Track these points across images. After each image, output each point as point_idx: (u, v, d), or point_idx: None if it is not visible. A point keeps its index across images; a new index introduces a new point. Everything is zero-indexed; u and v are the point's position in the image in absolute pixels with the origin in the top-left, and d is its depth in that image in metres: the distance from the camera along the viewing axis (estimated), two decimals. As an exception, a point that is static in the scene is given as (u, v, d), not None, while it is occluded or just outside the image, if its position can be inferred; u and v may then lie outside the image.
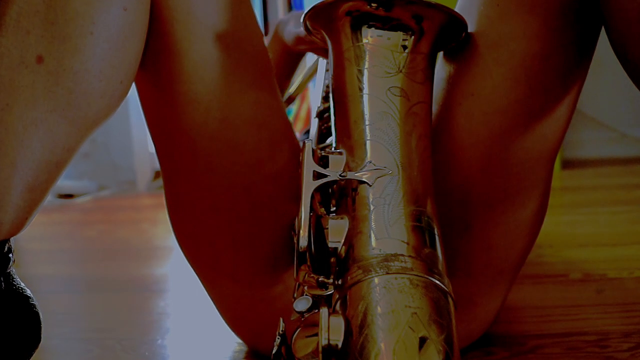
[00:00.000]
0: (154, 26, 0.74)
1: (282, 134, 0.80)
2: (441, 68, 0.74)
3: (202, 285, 0.89)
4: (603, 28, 0.67)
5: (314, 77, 1.17)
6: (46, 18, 0.65)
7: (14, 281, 0.72)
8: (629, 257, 1.31)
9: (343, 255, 0.54)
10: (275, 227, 0.81)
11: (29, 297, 0.73)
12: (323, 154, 0.63)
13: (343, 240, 0.55)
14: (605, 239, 1.48)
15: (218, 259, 0.83)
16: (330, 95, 0.70)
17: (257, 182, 0.78)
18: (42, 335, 0.75)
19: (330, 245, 0.55)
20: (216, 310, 0.90)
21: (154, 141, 0.82)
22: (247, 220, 0.79)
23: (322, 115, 0.79)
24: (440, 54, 0.74)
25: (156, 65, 0.76)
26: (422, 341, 0.45)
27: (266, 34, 2.75)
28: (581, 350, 0.85)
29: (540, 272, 1.22)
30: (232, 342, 0.96)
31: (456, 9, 0.72)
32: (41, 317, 0.74)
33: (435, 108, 0.73)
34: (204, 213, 0.80)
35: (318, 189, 0.58)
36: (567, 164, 2.70)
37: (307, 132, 1.34)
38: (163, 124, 0.79)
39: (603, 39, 0.69)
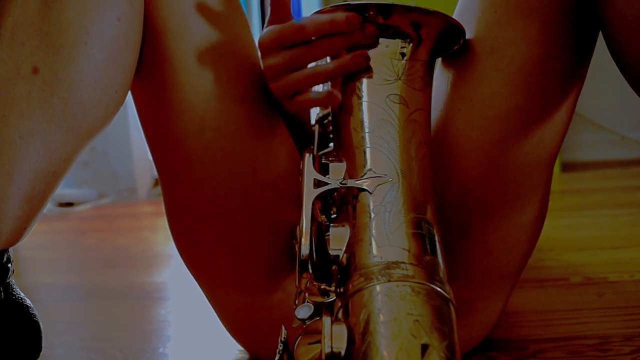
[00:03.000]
0: (147, 36, 0.74)
1: (279, 141, 0.80)
2: (440, 74, 0.74)
3: (202, 293, 0.89)
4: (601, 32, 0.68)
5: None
6: (41, 29, 0.65)
7: (14, 291, 0.72)
8: (629, 260, 1.30)
9: (344, 263, 0.54)
10: (274, 234, 0.81)
11: (28, 307, 0.73)
12: (323, 161, 0.63)
13: (344, 248, 0.55)
14: (606, 242, 1.48)
15: (217, 266, 0.83)
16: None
17: (255, 189, 0.78)
18: (43, 345, 0.75)
19: (331, 253, 0.55)
20: (217, 318, 0.90)
21: (150, 149, 0.82)
22: (245, 227, 0.79)
23: (322, 121, 0.80)
24: (439, 60, 0.74)
25: (151, 75, 0.76)
26: (425, 348, 0.45)
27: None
28: (583, 354, 0.85)
29: (540, 276, 1.22)
30: (233, 350, 0.96)
31: (454, 16, 0.73)
32: (41, 326, 0.74)
33: (434, 114, 0.73)
34: (202, 221, 0.80)
35: (319, 197, 0.58)
36: (567, 167, 2.70)
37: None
38: (159, 132, 0.79)
39: (601, 41, 0.69)
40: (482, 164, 0.73)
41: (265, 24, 0.73)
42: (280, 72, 0.70)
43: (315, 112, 0.83)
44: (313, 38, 0.68)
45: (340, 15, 0.65)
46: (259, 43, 0.71)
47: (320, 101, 0.71)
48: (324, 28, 0.67)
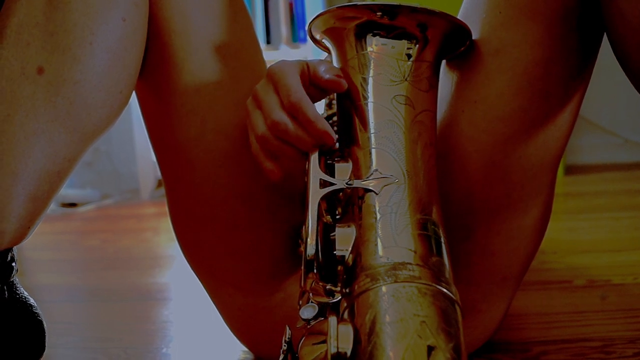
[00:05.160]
0: (152, 37, 0.74)
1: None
2: (444, 75, 0.74)
3: (205, 293, 0.89)
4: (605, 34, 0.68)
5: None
6: (46, 29, 0.66)
7: (18, 290, 0.72)
8: (633, 263, 1.30)
9: (350, 263, 0.54)
10: (275, 235, 0.81)
11: (32, 306, 0.73)
12: (329, 162, 0.63)
13: (350, 248, 0.55)
14: (609, 245, 1.48)
15: (219, 267, 0.83)
16: (335, 103, 0.70)
17: (256, 191, 0.78)
18: (46, 344, 0.75)
19: (337, 253, 0.55)
20: (220, 318, 0.90)
21: (154, 151, 0.82)
22: (246, 228, 0.79)
23: (327, 121, 0.80)
24: (443, 62, 0.74)
25: (155, 76, 0.76)
26: (431, 349, 0.44)
27: (268, 42, 2.75)
28: (586, 357, 0.84)
29: (544, 278, 1.22)
30: (236, 350, 0.96)
31: (458, 17, 0.72)
32: (45, 326, 0.74)
33: (438, 115, 0.73)
34: (204, 222, 0.80)
35: (324, 197, 0.58)
36: (570, 170, 2.70)
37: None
38: (162, 134, 0.79)
39: (605, 44, 0.69)
40: (485, 166, 0.72)
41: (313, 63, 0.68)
42: (258, 100, 0.67)
43: (319, 113, 0.83)
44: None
45: (321, 125, 0.62)
46: (270, 66, 0.68)
47: (260, 163, 0.68)
48: (294, 111, 0.63)
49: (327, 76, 0.64)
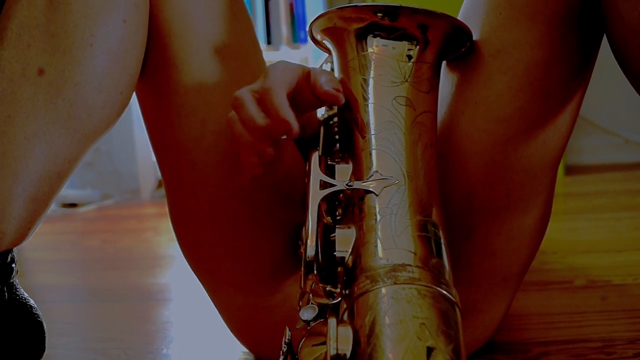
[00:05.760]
0: (152, 38, 0.74)
1: (281, 144, 0.80)
2: (445, 76, 0.74)
3: (205, 294, 0.89)
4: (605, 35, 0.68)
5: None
6: (47, 31, 0.66)
7: (18, 291, 0.72)
8: (633, 263, 1.30)
9: (350, 264, 0.54)
10: (275, 235, 0.81)
11: (32, 307, 0.73)
12: (329, 163, 0.63)
13: (350, 250, 0.55)
14: (609, 245, 1.48)
15: (219, 267, 0.83)
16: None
17: (256, 192, 0.78)
18: (46, 345, 0.75)
19: (337, 254, 0.55)
20: (220, 319, 0.90)
21: (154, 151, 0.82)
22: (246, 229, 0.79)
23: (327, 122, 0.80)
24: (444, 63, 0.74)
25: (155, 77, 0.76)
26: (430, 351, 0.44)
27: (269, 43, 2.75)
28: (586, 357, 0.84)
29: (544, 278, 1.22)
30: (237, 351, 0.96)
31: (458, 18, 0.72)
32: (45, 326, 0.74)
33: (439, 116, 0.73)
34: (204, 222, 0.80)
35: (324, 198, 0.58)
36: (571, 170, 2.70)
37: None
38: (162, 135, 0.79)
39: (605, 44, 0.69)
40: (485, 166, 0.73)
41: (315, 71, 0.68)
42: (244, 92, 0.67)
43: (320, 113, 0.83)
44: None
45: (284, 113, 0.62)
46: (269, 65, 0.68)
47: (240, 156, 0.69)
48: (263, 96, 0.63)
49: (326, 88, 0.64)
